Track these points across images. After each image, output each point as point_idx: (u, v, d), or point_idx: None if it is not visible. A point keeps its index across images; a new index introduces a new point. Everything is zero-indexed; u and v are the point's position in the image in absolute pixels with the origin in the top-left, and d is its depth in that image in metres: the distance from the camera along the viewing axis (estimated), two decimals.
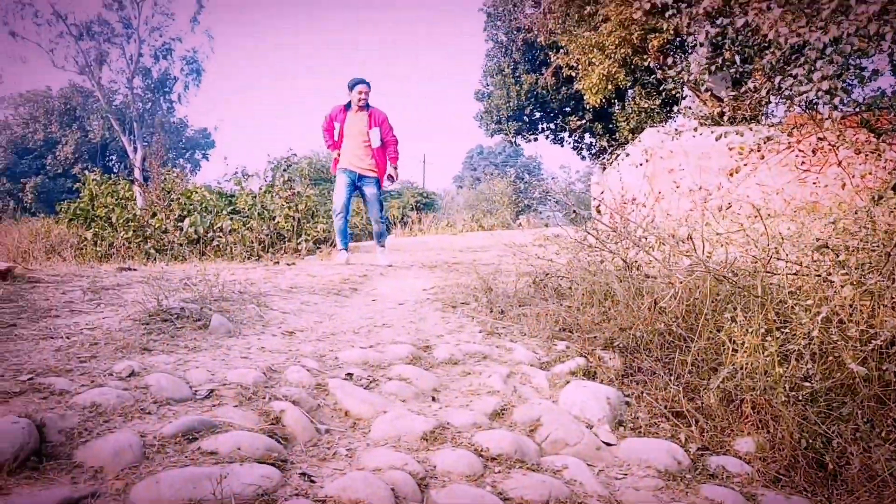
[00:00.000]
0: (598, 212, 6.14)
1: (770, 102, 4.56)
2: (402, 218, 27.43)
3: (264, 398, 2.83)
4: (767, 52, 3.67)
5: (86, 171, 10.73)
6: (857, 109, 3.94)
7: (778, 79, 3.53)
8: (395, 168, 8.01)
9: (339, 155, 7.96)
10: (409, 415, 2.85)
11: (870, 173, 4.00)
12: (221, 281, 4.90)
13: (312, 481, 2.27)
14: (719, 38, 4.32)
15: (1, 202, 45.19)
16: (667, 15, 4.32)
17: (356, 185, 7.96)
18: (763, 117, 6.99)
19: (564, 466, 2.67)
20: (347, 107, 8.02)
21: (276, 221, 8.64)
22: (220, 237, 8.16)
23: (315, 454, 2.51)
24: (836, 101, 3.30)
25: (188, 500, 1.99)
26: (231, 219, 8.68)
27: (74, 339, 3.36)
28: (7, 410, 2.38)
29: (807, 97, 3.39)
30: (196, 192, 9.47)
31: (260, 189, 9.85)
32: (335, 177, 7.96)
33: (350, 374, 3.27)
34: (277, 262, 7.53)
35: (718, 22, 4.44)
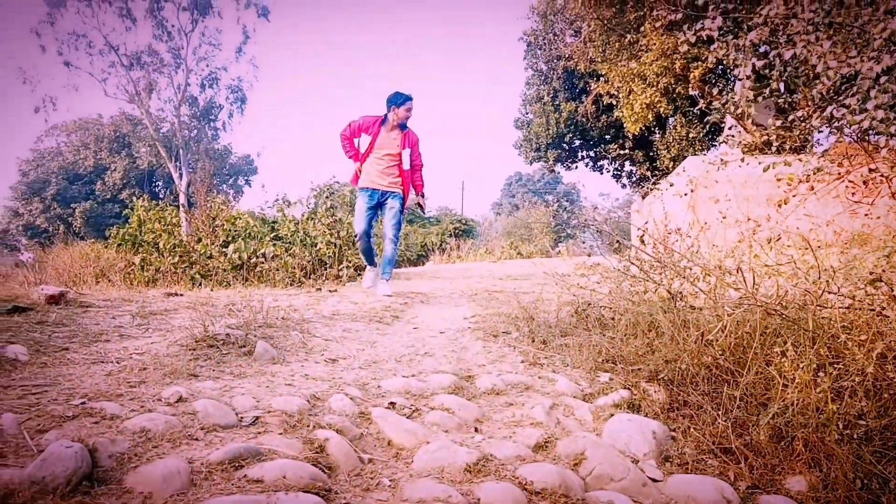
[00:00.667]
0: (642, 241, 6.08)
1: (821, 132, 4.48)
2: (441, 245, 27.51)
3: (308, 426, 2.85)
4: (817, 81, 3.61)
5: (134, 197, 10.99)
6: None
7: (830, 108, 3.46)
8: (424, 196, 7.63)
9: (359, 169, 7.47)
10: (453, 446, 2.83)
11: None
12: (265, 307, 4.96)
13: None
14: (766, 70, 4.27)
15: (52, 226, 46.53)
16: (711, 48, 4.28)
17: (378, 204, 7.50)
18: (810, 147, 6.88)
19: (610, 502, 2.61)
20: (383, 121, 7.45)
21: (317, 248, 8.73)
22: (263, 263, 8.28)
23: (358, 484, 2.51)
24: (893, 129, 3.23)
25: None
26: (274, 245, 8.81)
27: (125, 363, 3.43)
28: (61, 434, 2.43)
29: (860, 127, 3.33)
30: (240, 219, 9.64)
31: (302, 216, 10.01)
32: (356, 192, 7.57)
33: (393, 404, 3.27)
34: (319, 289, 7.61)
35: (763, 50, 4.40)
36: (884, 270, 3.36)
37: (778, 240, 3.78)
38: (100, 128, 49.52)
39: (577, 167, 28.06)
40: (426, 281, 9.59)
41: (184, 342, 3.85)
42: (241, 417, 2.87)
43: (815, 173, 3.86)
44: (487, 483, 2.56)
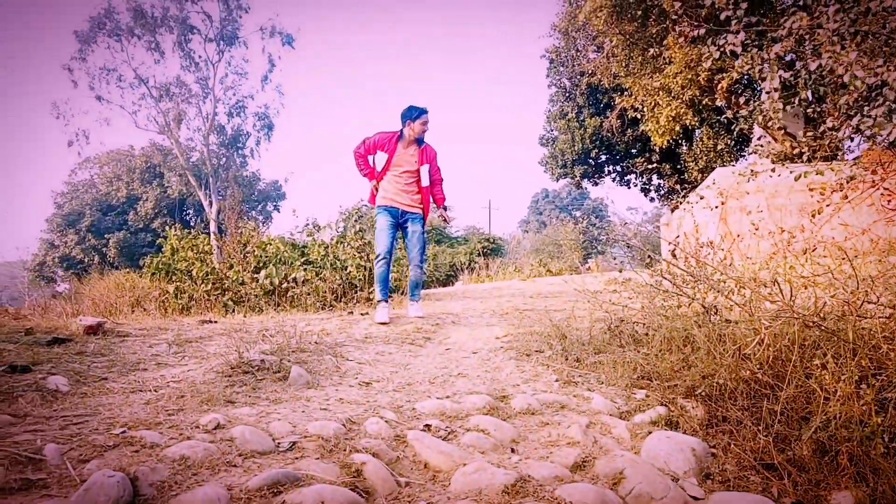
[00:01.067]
0: (673, 255, 6.03)
1: (852, 139, 4.41)
2: (469, 264, 27.49)
3: (345, 450, 2.85)
4: (843, 91, 3.57)
5: (166, 226, 11.17)
6: None
7: (856, 119, 3.42)
8: (446, 208, 7.36)
9: (376, 187, 7.14)
10: (490, 467, 2.81)
11: None
12: (298, 332, 4.99)
13: None
14: (792, 79, 4.22)
15: (87, 257, 47.42)
16: (737, 62, 4.26)
17: (399, 223, 7.14)
18: (842, 155, 6.77)
19: None
20: (399, 137, 7.10)
21: (348, 271, 8.79)
22: (295, 288, 8.35)
23: None
24: None
25: None
26: (304, 269, 8.88)
27: (162, 391, 3.47)
28: (102, 464, 2.47)
29: (889, 137, 3.27)
30: (270, 244, 9.75)
31: (332, 240, 10.09)
32: (375, 212, 7.16)
33: (428, 426, 3.26)
34: (351, 312, 7.64)
35: (788, 59, 4.36)
36: None
37: (814, 250, 3.72)
38: (131, 159, 50.54)
39: (603, 182, 27.97)
40: (457, 301, 9.59)
41: (219, 369, 3.89)
42: (279, 443, 2.88)
43: (847, 181, 3.80)
44: None
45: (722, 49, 4.11)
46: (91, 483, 2.19)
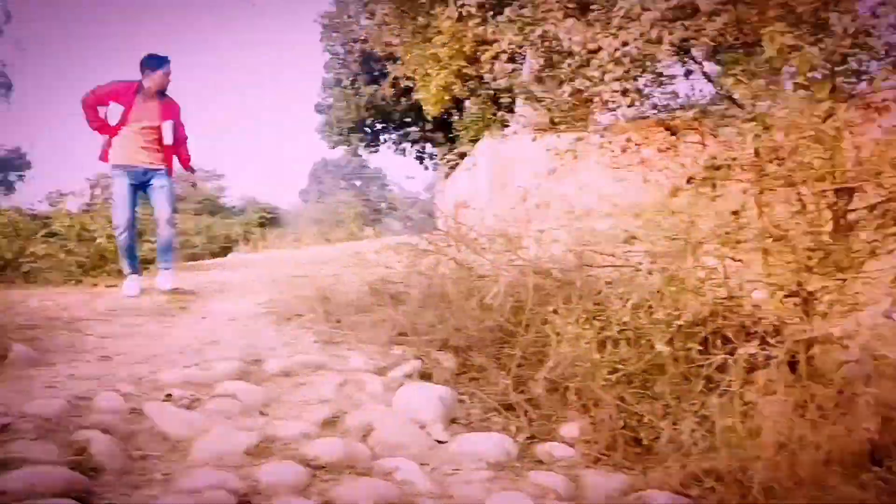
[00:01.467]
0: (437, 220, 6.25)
1: (604, 109, 4.82)
2: (246, 235, 26.60)
3: (68, 429, 2.62)
4: (570, 57, 3.92)
5: None
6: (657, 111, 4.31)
7: (577, 81, 3.77)
8: (193, 171, 6.99)
9: (109, 143, 6.13)
10: (234, 432, 2.74)
11: (668, 167, 4.37)
12: (28, 309, 4.50)
13: None
14: (521, 46, 4.53)
15: None
16: (470, 24, 4.50)
17: (140, 184, 6.26)
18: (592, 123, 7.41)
19: (396, 468, 2.66)
20: (138, 89, 6.11)
21: (97, 243, 8.06)
22: (34, 263, 7.50)
23: (127, 482, 2.35)
24: (628, 101, 3.58)
25: None
26: (46, 242, 8.01)
27: None
28: None
29: (602, 97, 3.65)
30: (4, 214, 8.67)
31: (79, 209, 9.18)
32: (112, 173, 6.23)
33: (169, 395, 3.10)
34: (96, 285, 7.02)
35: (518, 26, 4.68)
36: (639, 229, 3.71)
37: (548, 207, 4.05)
38: None
39: (379, 150, 28.34)
40: (226, 271, 9.23)
41: None
42: None
43: (576, 141, 4.20)
44: (269, 464, 2.51)
45: (459, 10, 4.30)
46: None
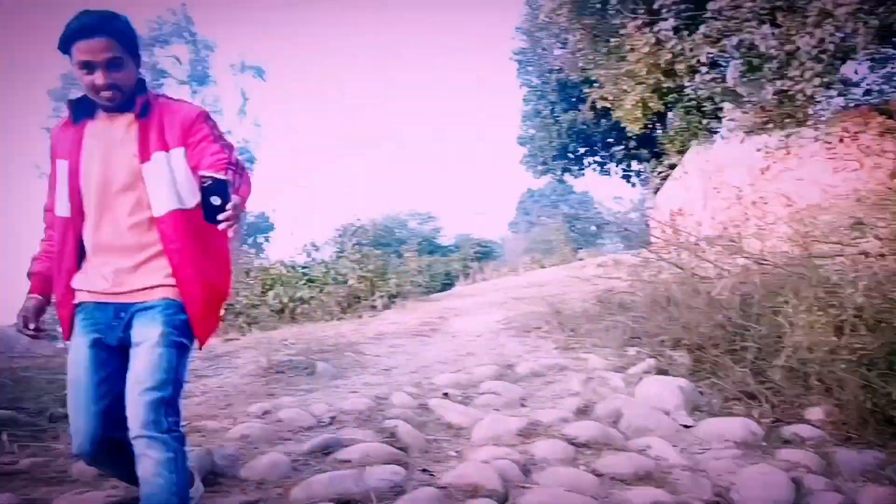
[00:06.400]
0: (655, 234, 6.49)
1: (811, 104, 4.81)
2: (464, 270, 27.90)
3: (377, 419, 3.30)
4: (770, 60, 4.04)
5: None
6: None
7: (780, 81, 3.88)
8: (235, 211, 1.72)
9: (36, 284, 2.07)
10: (504, 418, 3.26)
11: (887, 151, 4.27)
12: (316, 338, 5.44)
13: (432, 475, 2.70)
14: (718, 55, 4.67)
15: None
16: (667, 46, 4.73)
17: (108, 346, 1.96)
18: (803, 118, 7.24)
19: (648, 446, 3.01)
20: (78, 113, 2.00)
21: (349, 284, 9.24)
22: (302, 304, 8.78)
23: (429, 457, 2.95)
24: (834, 93, 3.64)
25: (337, 495, 2.43)
26: (308, 287, 9.33)
27: (209, 394, 3.91)
28: None
29: (805, 92, 3.73)
30: (273, 268, 10.19)
31: (330, 257, 10.54)
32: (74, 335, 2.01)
33: (446, 394, 3.71)
34: (360, 316, 8.09)
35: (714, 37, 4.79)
36: (864, 216, 3.74)
37: (765, 203, 4.19)
38: None
39: (584, 174, 28.44)
40: (457, 300, 10.03)
41: (254, 372, 4.34)
42: (320, 419, 3.32)
43: (787, 137, 4.25)
44: (539, 441, 2.99)
45: (656, 35, 4.58)
46: None
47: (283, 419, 3.27)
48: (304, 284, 9.56)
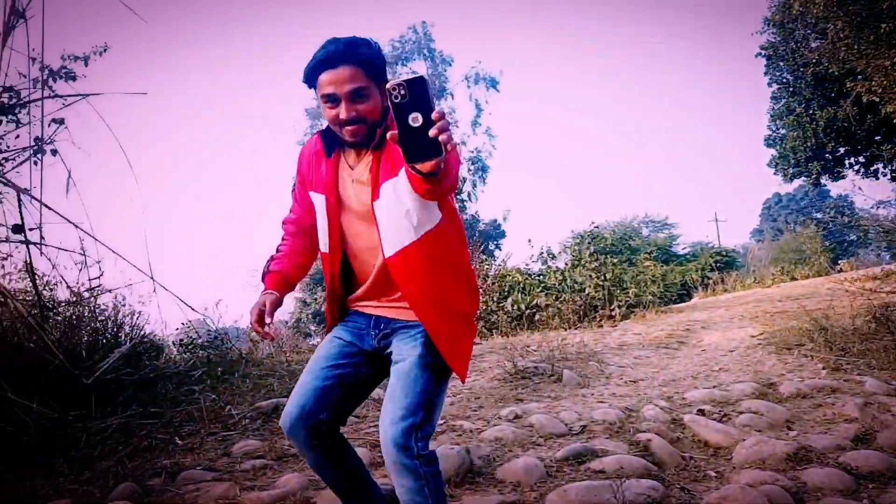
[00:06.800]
0: None
1: None
2: (702, 280, 26.48)
3: (629, 432, 3.23)
4: None
5: None
6: None
7: None
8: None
9: (272, 281, 2.05)
10: (769, 440, 3.03)
11: None
12: (558, 345, 5.47)
13: (692, 494, 2.58)
14: None
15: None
16: None
17: (368, 354, 1.96)
18: None
19: None
20: (330, 145, 1.94)
21: (586, 293, 9.18)
22: (540, 311, 8.88)
23: (685, 476, 2.82)
24: None
25: None
26: (546, 294, 9.43)
27: (460, 395, 4.10)
28: (437, 444, 3.07)
29: None
30: (509, 275, 10.44)
31: (566, 265, 10.57)
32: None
33: (702, 411, 3.54)
34: (601, 326, 8.01)
35: None
36: None
37: None
38: None
39: (844, 176, 25.65)
40: (699, 311, 9.54)
41: (500, 377, 4.46)
42: (570, 427, 3.33)
43: None
44: (811, 469, 2.74)
45: None
46: (438, 453, 2.76)
47: (533, 424, 3.33)
48: (541, 292, 9.67)
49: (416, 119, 1.38)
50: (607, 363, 4.93)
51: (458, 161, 1.67)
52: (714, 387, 3.99)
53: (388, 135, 1.42)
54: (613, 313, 8.80)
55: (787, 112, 24.22)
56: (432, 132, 1.36)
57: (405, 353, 1.82)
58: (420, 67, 38.14)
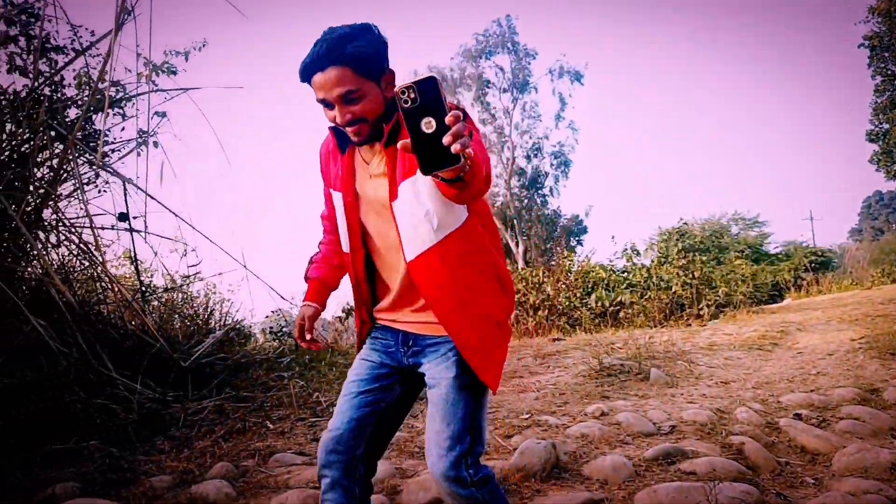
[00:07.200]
0: None
1: None
2: (795, 281, 25.40)
3: (720, 434, 3.14)
4: None
5: None
6: None
7: None
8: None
9: (312, 290, 2.01)
10: (873, 448, 2.89)
11: None
12: (643, 343, 5.36)
13: (788, 500, 2.49)
14: None
15: None
16: None
17: (400, 374, 1.82)
18: None
19: None
20: (343, 142, 1.79)
21: (672, 291, 8.94)
22: (625, 309, 8.72)
23: (781, 481, 2.73)
24: None
25: None
26: (630, 291, 9.24)
27: (544, 391, 4.08)
28: (522, 438, 3.07)
29: None
30: (592, 271, 10.28)
31: (652, 261, 10.32)
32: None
33: (799, 415, 3.40)
34: (689, 325, 7.80)
35: None
36: None
37: None
38: None
39: None
40: (793, 313, 9.15)
41: (585, 373, 4.42)
42: (659, 427, 3.27)
43: None
44: None
45: None
46: (524, 447, 2.78)
47: (620, 422, 3.28)
48: (626, 289, 9.49)
49: (429, 124, 1.27)
50: (696, 363, 4.80)
51: (486, 160, 1.50)
52: (812, 391, 3.83)
53: (400, 144, 1.29)
54: (701, 312, 8.55)
55: (891, 106, 22.89)
56: (446, 139, 1.23)
57: (439, 377, 1.68)
58: (504, 61, 37.95)
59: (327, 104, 1.60)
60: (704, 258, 10.02)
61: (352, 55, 1.56)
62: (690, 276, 9.06)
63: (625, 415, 3.35)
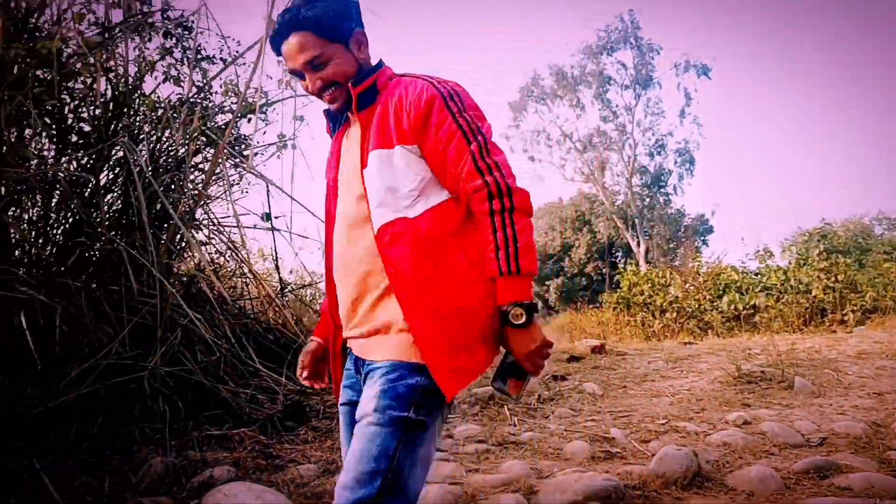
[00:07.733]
0: None
1: None
2: None
3: (877, 448, 2.94)
4: None
5: (599, 271, 11.95)
6: None
7: None
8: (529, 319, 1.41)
9: (319, 326, 1.85)
10: None
11: None
12: (784, 350, 5.10)
13: None
14: None
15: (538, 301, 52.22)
16: None
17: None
18: None
19: None
20: (333, 122, 1.71)
21: (813, 295, 8.42)
22: (760, 313, 8.32)
23: None
24: None
25: None
26: (766, 295, 8.79)
27: (679, 396, 3.96)
28: (660, 444, 3.00)
29: None
30: (724, 273, 9.85)
31: (790, 264, 9.75)
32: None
33: None
34: (835, 331, 7.34)
35: None
36: None
37: None
38: (561, 210, 54.75)
39: None
40: None
41: (722, 379, 4.25)
42: (808, 438, 3.10)
43: None
44: None
45: None
46: (664, 453, 2.71)
47: (765, 432, 3.14)
48: (760, 292, 9.04)
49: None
50: (844, 372, 4.50)
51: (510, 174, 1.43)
52: None
53: None
54: (846, 318, 8.02)
55: None
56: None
57: (363, 405, 1.40)
58: (626, 57, 37.08)
59: (298, 74, 1.54)
60: (848, 261, 9.37)
61: (310, 18, 1.49)
62: (833, 279, 8.51)
63: (769, 424, 3.21)
